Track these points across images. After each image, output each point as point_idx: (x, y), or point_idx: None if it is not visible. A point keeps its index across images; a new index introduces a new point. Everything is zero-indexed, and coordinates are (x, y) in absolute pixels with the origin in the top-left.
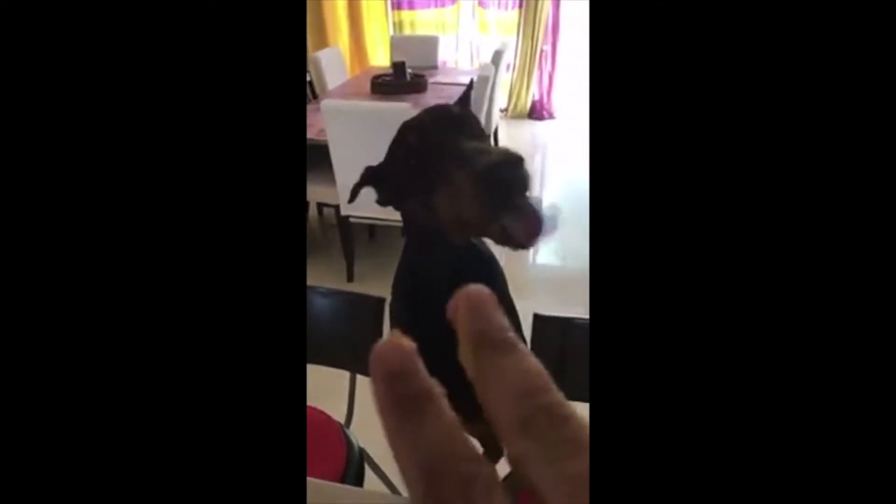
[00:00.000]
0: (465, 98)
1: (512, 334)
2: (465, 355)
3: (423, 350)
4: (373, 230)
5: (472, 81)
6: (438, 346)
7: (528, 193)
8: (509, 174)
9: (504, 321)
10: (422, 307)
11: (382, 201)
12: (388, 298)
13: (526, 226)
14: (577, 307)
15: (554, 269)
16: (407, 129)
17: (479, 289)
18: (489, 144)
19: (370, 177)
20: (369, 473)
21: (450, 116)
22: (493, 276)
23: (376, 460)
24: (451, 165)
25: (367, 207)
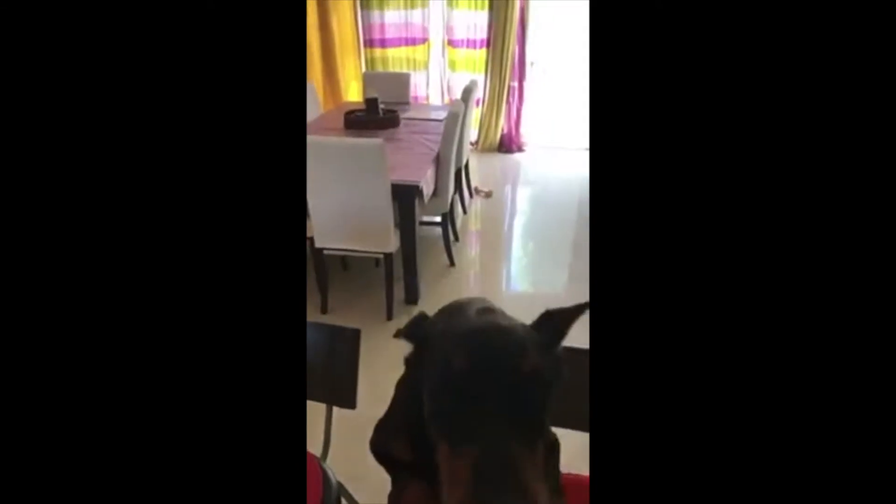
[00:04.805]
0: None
1: None
2: None
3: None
4: (346, 262)
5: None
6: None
7: None
8: None
9: None
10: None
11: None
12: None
13: None
14: None
15: (526, 295)
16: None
17: None
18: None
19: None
20: None
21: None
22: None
23: (353, 493)
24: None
25: (340, 239)
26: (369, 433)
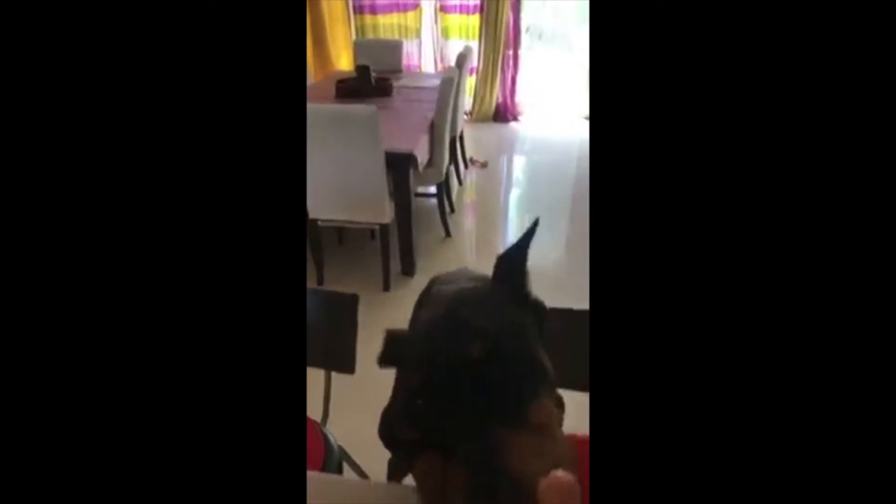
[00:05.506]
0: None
1: None
2: None
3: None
4: (341, 235)
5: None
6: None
7: None
8: None
9: None
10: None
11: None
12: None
13: None
14: (547, 299)
15: None
16: (415, 356)
17: (569, 484)
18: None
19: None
20: (348, 472)
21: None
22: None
23: (354, 457)
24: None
25: (334, 210)
26: (369, 397)
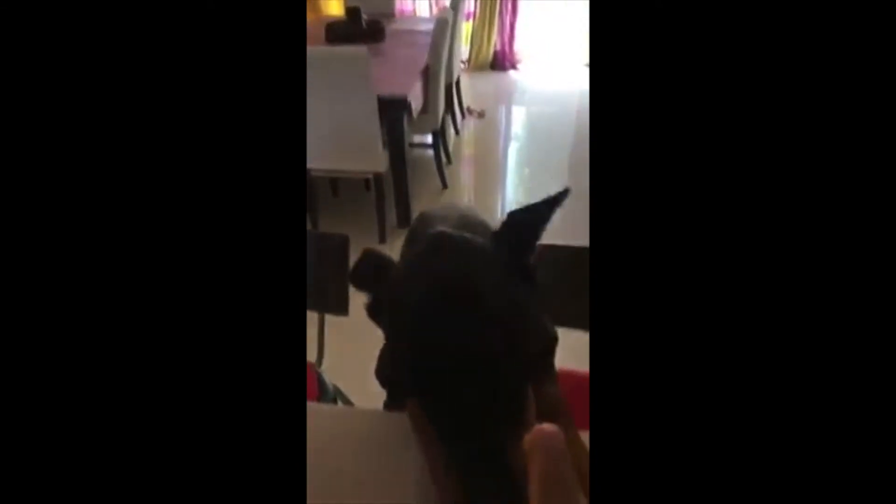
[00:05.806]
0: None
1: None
2: (532, 492)
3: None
4: (336, 187)
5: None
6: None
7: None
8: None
9: (569, 466)
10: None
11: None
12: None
13: None
14: None
15: None
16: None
17: (552, 434)
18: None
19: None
20: None
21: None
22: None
23: (349, 397)
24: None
25: (325, 158)
26: (363, 339)
